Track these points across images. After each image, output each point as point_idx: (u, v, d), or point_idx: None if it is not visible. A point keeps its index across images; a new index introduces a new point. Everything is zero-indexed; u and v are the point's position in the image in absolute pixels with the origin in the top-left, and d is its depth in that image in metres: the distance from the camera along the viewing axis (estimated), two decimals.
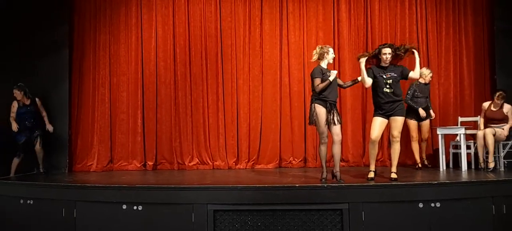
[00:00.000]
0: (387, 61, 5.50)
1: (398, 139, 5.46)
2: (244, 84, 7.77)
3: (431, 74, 7.09)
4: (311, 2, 7.81)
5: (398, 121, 5.42)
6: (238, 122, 7.74)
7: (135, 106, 7.75)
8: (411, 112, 6.89)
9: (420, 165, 7.01)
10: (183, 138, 7.73)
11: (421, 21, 7.73)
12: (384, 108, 5.46)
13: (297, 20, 7.82)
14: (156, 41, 7.82)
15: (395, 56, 5.60)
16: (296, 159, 7.66)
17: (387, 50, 5.50)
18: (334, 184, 5.16)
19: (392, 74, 5.46)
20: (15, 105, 7.07)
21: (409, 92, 6.94)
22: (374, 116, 5.58)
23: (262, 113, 7.75)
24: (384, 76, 5.46)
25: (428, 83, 7.05)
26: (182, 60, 7.80)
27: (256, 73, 7.78)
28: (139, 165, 7.64)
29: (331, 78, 5.34)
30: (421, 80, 6.96)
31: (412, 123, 6.97)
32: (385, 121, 5.49)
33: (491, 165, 6.40)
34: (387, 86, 5.43)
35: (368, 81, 5.50)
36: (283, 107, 7.74)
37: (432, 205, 4.98)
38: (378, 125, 5.48)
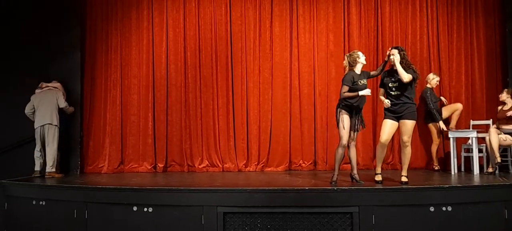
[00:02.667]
0: (392, 63, 5.46)
1: (409, 144, 5.40)
2: (254, 87, 7.78)
3: (435, 79, 7.13)
4: (322, 5, 7.79)
5: (407, 125, 5.35)
6: (248, 124, 7.75)
7: (146, 108, 7.80)
8: (430, 117, 6.93)
9: (438, 166, 7.05)
10: (193, 140, 7.76)
11: (432, 23, 7.66)
12: (393, 110, 5.43)
13: (307, 22, 7.80)
14: (167, 44, 7.88)
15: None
16: (306, 162, 7.65)
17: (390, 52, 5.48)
18: (344, 187, 5.14)
19: (397, 77, 5.40)
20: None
21: (433, 98, 6.96)
22: (384, 118, 5.54)
23: (272, 116, 7.75)
24: (390, 78, 5.45)
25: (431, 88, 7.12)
26: (193, 63, 7.84)
27: (266, 76, 7.79)
28: (149, 167, 7.69)
29: (361, 93, 5.33)
30: (429, 86, 7.07)
31: (434, 126, 6.99)
32: (395, 123, 5.44)
33: (490, 170, 6.35)
34: (393, 88, 5.41)
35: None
36: (293, 110, 7.73)
37: (444, 209, 4.92)
38: (388, 127, 5.43)
